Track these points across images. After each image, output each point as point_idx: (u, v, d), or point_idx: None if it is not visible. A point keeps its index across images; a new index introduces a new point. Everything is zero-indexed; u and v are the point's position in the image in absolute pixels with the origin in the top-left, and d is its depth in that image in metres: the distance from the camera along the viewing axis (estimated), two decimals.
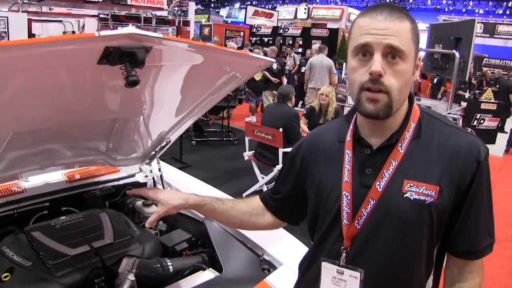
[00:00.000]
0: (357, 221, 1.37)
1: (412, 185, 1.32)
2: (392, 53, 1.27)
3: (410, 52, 1.29)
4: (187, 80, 2.09)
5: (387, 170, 1.35)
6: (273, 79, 11.18)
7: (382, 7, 1.30)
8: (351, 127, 1.48)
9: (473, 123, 9.35)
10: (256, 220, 1.78)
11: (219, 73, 2.09)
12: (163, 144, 2.77)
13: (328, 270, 1.44)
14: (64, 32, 20.61)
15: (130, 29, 1.33)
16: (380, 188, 1.35)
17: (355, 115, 1.48)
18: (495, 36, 29.52)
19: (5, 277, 1.99)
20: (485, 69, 19.80)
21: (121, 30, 1.33)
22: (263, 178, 6.29)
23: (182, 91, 2.22)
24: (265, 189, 6.17)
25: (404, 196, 1.32)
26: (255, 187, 6.29)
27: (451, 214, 1.35)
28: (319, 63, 11.73)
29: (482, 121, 9.52)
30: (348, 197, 1.39)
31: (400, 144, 1.36)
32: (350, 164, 1.42)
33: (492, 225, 1.41)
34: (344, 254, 1.40)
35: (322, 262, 1.45)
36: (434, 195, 1.30)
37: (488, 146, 1.43)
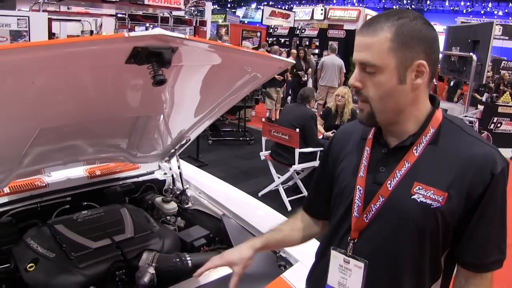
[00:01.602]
0: (365, 215, 1.42)
1: (421, 188, 1.34)
2: (365, 67, 1.33)
3: (387, 63, 1.31)
4: (208, 80, 2.14)
5: (400, 170, 1.38)
6: (277, 76, 11.22)
7: (369, 21, 1.35)
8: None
9: (489, 126, 9.25)
10: (314, 230, 1.83)
11: (240, 74, 2.14)
12: (182, 142, 2.83)
13: (336, 258, 1.51)
14: (82, 31, 20.82)
15: (158, 30, 1.39)
16: (390, 187, 1.38)
17: None
18: None
19: (30, 267, 2.07)
20: (503, 72, 19.57)
21: (149, 31, 1.39)
22: (279, 177, 6.31)
23: (203, 91, 2.27)
24: (280, 189, 6.25)
25: (412, 197, 1.35)
26: (271, 187, 6.32)
27: (459, 223, 1.36)
28: (330, 63, 12.49)
29: (499, 125, 9.40)
30: (361, 192, 1.44)
31: (415, 147, 1.39)
32: (367, 160, 1.47)
33: (504, 241, 1.40)
34: (351, 245, 1.46)
35: (332, 251, 1.53)
36: (441, 200, 1.32)
37: (507, 150, 1.42)
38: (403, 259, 1.40)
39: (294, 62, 2.47)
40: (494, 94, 12.92)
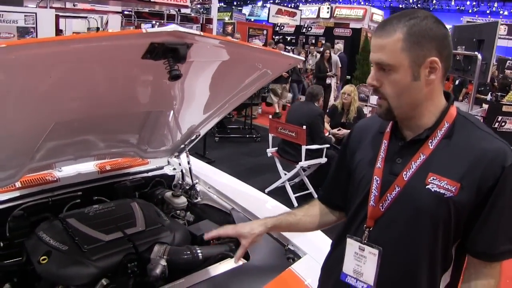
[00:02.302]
0: (381, 204, 1.49)
1: (435, 178, 1.41)
2: (382, 66, 1.42)
3: (400, 62, 1.39)
4: (219, 76, 2.17)
5: (415, 162, 1.46)
6: (284, 73, 11.24)
7: (382, 24, 1.44)
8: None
9: (494, 125, 9.26)
10: (328, 219, 1.89)
11: (250, 70, 2.18)
12: (192, 138, 2.87)
13: (352, 246, 1.57)
14: (89, 29, 20.88)
15: (174, 26, 1.42)
16: (406, 177, 1.46)
17: None
18: None
19: (43, 259, 2.10)
20: (507, 71, 19.56)
21: (165, 28, 1.43)
22: (285, 174, 6.36)
23: (214, 87, 2.30)
24: (287, 185, 6.29)
25: (426, 187, 1.42)
26: (278, 183, 6.35)
27: (471, 213, 1.42)
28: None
29: (503, 124, 9.40)
30: (378, 182, 1.51)
31: (430, 141, 1.46)
32: (385, 152, 1.55)
33: None
34: (366, 233, 1.53)
35: (347, 239, 1.59)
36: (454, 190, 1.39)
37: None
38: (417, 246, 1.46)
39: (303, 59, 2.50)
40: (499, 93, 12.89)
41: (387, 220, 1.50)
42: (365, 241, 1.53)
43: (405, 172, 1.46)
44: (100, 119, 2.32)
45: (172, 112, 2.52)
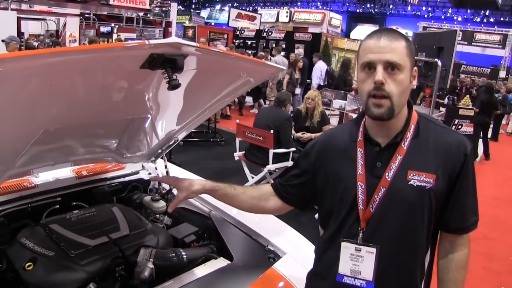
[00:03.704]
0: (371, 205, 1.66)
1: (414, 174, 1.62)
2: (390, 66, 1.57)
3: (406, 64, 1.59)
4: (204, 83, 2.24)
5: (394, 163, 1.65)
6: None
7: (382, 31, 1.62)
8: (361, 129, 1.76)
9: (451, 128, 9.56)
10: (265, 205, 2.03)
11: (234, 78, 2.25)
12: (170, 143, 2.91)
13: (347, 248, 1.70)
14: (47, 31, 20.49)
15: (174, 38, 1.50)
16: (389, 178, 1.64)
17: (364, 118, 1.76)
18: (473, 43, 30.22)
19: (28, 266, 2.11)
20: (462, 75, 20.23)
21: (166, 40, 1.50)
22: (252, 177, 6.47)
23: (198, 93, 2.36)
24: None
25: (409, 183, 1.62)
26: None
27: (445, 197, 1.66)
28: (281, 62, 13.11)
29: (460, 127, 9.74)
30: (363, 187, 1.67)
31: (403, 142, 1.67)
32: (363, 159, 1.70)
33: (477, 206, 1.75)
34: (360, 234, 1.68)
35: (342, 242, 1.71)
36: (432, 182, 1.61)
37: None
38: (408, 236, 1.65)
39: (284, 68, 2.59)
40: (454, 97, 13.31)
41: (379, 218, 1.65)
42: (361, 242, 1.67)
43: (387, 173, 1.64)
44: (86, 126, 2.35)
45: (153, 118, 2.55)
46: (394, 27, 1.73)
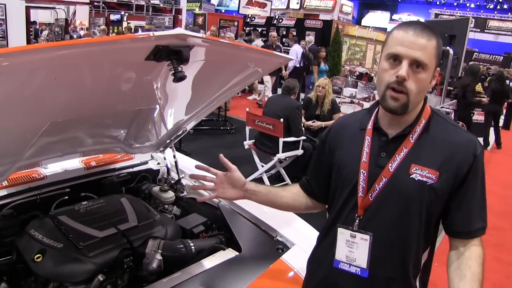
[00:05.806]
0: (370, 194, 1.65)
1: (417, 168, 1.60)
2: (416, 64, 1.54)
3: (431, 65, 1.57)
4: (211, 74, 2.23)
5: (399, 155, 1.63)
6: None
7: (416, 24, 1.58)
8: (372, 118, 1.74)
9: None
10: (298, 204, 2.02)
11: (242, 69, 2.24)
12: (179, 133, 2.90)
13: (343, 234, 1.71)
14: (57, 19, 20.51)
15: (179, 30, 1.48)
16: (391, 169, 1.63)
17: (377, 108, 1.74)
18: (485, 31, 29.82)
19: (38, 258, 2.11)
20: (472, 63, 20.02)
21: (171, 31, 1.48)
22: (262, 166, 6.44)
23: (205, 84, 2.35)
24: (264, 177, 6.41)
25: (410, 177, 1.60)
26: (255, 175, 6.43)
27: (449, 197, 1.62)
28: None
29: (471, 114, 9.67)
30: (365, 174, 1.66)
31: (411, 135, 1.64)
32: (369, 148, 1.69)
33: (485, 212, 1.69)
34: (357, 221, 1.68)
35: (338, 228, 1.72)
36: (434, 178, 1.58)
37: (479, 139, 1.69)
38: (404, 229, 1.63)
39: (293, 58, 2.57)
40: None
41: (376, 207, 1.65)
42: (356, 229, 1.67)
43: (390, 164, 1.63)
44: (94, 117, 2.34)
45: (161, 108, 2.54)
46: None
